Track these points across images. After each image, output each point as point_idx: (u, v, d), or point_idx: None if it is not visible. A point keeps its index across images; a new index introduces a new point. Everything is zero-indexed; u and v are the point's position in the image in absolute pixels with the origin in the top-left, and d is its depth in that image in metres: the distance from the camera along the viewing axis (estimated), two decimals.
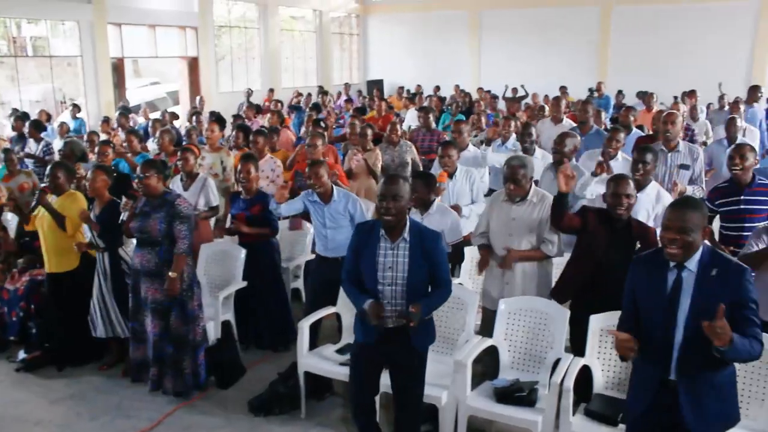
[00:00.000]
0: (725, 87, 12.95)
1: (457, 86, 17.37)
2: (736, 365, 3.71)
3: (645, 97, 11.48)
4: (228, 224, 5.97)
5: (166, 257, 4.81)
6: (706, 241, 3.11)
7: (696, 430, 3.00)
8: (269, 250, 5.77)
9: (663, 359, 3.01)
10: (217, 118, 8.77)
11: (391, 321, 3.64)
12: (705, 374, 2.98)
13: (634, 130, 7.75)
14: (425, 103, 13.33)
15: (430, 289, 3.74)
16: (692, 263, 2.96)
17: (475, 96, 16.08)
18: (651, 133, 7.44)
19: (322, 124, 9.28)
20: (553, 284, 4.70)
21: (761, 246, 4.13)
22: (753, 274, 3.05)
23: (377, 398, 4.00)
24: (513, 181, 4.49)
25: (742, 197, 5.00)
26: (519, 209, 4.55)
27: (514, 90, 16.07)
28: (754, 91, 10.57)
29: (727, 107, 10.94)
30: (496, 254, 4.66)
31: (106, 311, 5.30)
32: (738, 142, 7.05)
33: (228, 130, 9.95)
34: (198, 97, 14.76)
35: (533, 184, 4.61)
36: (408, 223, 3.65)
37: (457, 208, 5.82)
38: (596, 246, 4.24)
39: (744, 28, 18.59)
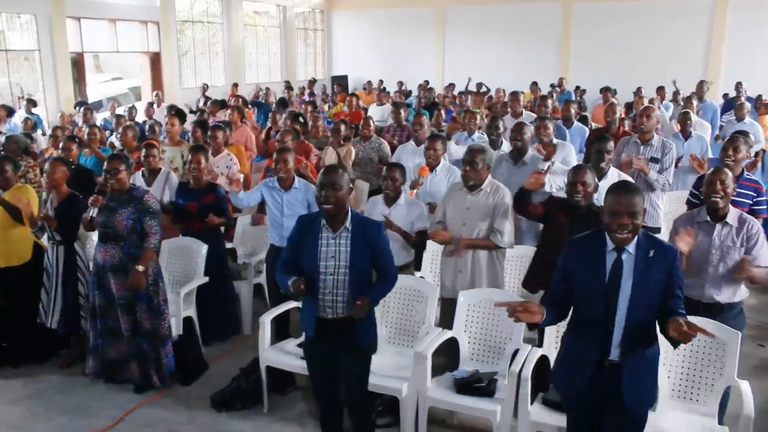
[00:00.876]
0: (681, 83, 13.25)
1: (426, 82, 17.41)
2: (692, 352, 3.89)
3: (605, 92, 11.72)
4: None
5: (131, 252, 4.79)
6: None
7: (632, 407, 3.13)
8: (216, 240, 5.77)
9: (603, 340, 3.11)
10: (176, 112, 8.69)
11: (332, 312, 3.67)
12: (642, 353, 3.13)
13: (575, 123, 8.09)
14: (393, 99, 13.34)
15: (375, 279, 3.79)
16: (631, 246, 3.07)
17: (441, 92, 16.15)
18: (601, 126, 7.63)
19: (301, 119, 9.22)
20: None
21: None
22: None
23: None
24: (470, 163, 4.53)
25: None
26: (474, 199, 4.59)
27: (479, 84, 16.18)
28: (700, 87, 10.82)
29: (681, 102, 11.21)
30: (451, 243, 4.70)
31: (61, 304, 5.27)
32: (693, 135, 7.34)
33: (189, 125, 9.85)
34: (155, 93, 14.58)
35: (489, 175, 4.67)
36: (350, 213, 3.69)
37: (433, 207, 5.85)
38: (559, 234, 4.27)
39: (700, 23, 18.96)
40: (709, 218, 4.11)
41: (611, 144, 5.25)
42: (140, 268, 4.72)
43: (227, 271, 6.00)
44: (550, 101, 7.97)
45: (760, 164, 6.91)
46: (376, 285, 3.74)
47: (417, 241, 5.14)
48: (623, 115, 8.31)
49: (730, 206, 4.12)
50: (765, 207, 5.11)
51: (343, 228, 3.65)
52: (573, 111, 8.34)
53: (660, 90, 13.09)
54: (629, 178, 5.28)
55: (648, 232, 3.20)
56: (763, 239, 4.04)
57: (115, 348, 5.02)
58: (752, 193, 5.03)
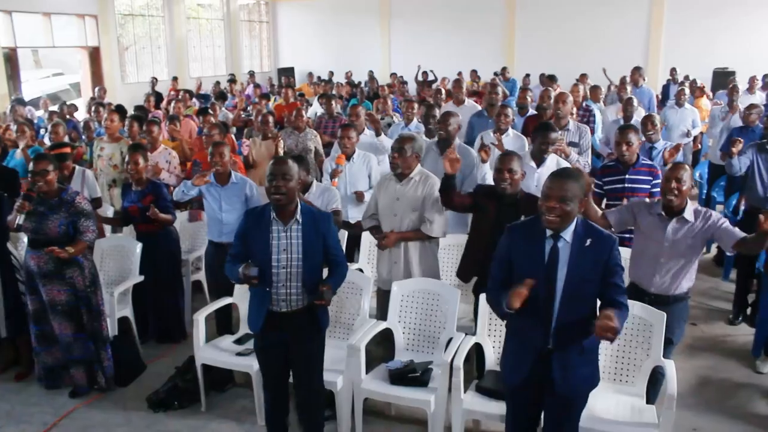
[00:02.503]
0: (623, 70, 13.50)
1: (371, 72, 17.40)
2: (626, 335, 3.98)
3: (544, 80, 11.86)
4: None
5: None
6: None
7: (565, 393, 3.15)
8: (167, 241, 5.67)
9: (543, 329, 3.12)
10: (117, 108, 8.50)
11: (286, 305, 3.65)
12: (577, 341, 3.12)
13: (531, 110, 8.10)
14: (334, 91, 13.31)
15: (327, 270, 3.79)
16: (568, 233, 3.07)
17: (388, 81, 16.17)
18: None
19: (210, 111, 9.10)
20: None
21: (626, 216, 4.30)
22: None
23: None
24: (398, 150, 4.52)
25: (626, 176, 5.23)
26: (403, 188, 4.59)
27: (425, 74, 16.23)
28: (635, 73, 11.06)
29: (613, 89, 11.46)
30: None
31: (3, 306, 5.10)
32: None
33: None
34: (97, 88, 14.24)
35: (419, 164, 4.67)
36: (299, 205, 3.66)
37: (360, 195, 5.86)
38: (488, 223, 4.32)
39: (640, 11, 19.29)
40: (663, 213, 4.13)
41: (554, 135, 5.32)
42: (70, 249, 4.52)
43: (178, 274, 5.88)
44: (500, 88, 7.98)
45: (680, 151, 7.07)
46: (333, 273, 3.75)
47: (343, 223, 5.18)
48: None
49: (688, 201, 4.13)
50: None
51: (294, 220, 3.62)
52: (529, 99, 8.42)
53: (582, 77, 13.24)
54: (564, 162, 5.40)
55: (588, 221, 3.22)
56: (723, 220, 4.07)
57: (50, 354, 4.90)
58: (649, 178, 5.19)
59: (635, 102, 8.10)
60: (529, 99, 8.35)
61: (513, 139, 6.43)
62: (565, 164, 5.36)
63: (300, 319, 3.68)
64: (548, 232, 3.09)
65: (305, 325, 3.71)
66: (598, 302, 3.13)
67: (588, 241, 3.06)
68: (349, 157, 5.90)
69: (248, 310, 3.83)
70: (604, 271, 3.05)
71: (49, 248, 4.48)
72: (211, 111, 9.19)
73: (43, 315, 4.79)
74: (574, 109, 7.76)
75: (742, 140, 5.89)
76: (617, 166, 5.30)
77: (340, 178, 5.85)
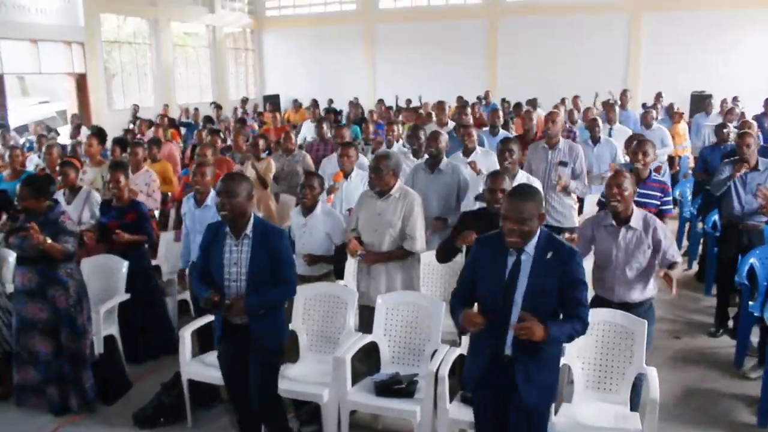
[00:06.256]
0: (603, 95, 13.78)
1: (356, 98, 17.59)
2: (603, 343, 4.02)
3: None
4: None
5: (47, 274, 4.66)
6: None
7: (529, 401, 3.18)
8: (139, 258, 5.69)
9: (499, 335, 3.17)
10: (96, 132, 8.54)
11: (238, 318, 3.73)
12: (539, 352, 3.14)
13: (501, 131, 8.39)
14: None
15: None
16: (530, 247, 3.15)
17: (372, 107, 16.37)
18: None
19: (221, 135, 9.22)
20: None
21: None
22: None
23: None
24: (374, 170, 4.59)
25: (636, 189, 5.28)
26: (384, 204, 4.65)
27: (408, 101, 16.46)
28: (624, 95, 11.27)
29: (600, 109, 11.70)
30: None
31: None
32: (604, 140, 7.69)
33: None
34: (72, 115, 14.29)
35: (398, 181, 4.73)
36: (252, 221, 3.74)
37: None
38: None
39: (619, 37, 19.71)
40: (614, 222, 4.23)
41: (513, 144, 5.40)
42: (48, 240, 4.47)
43: (156, 288, 5.92)
44: (470, 110, 8.17)
45: (665, 168, 7.21)
46: (268, 289, 3.76)
47: (338, 259, 5.17)
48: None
49: (635, 208, 4.25)
50: (671, 207, 5.34)
51: (244, 235, 3.71)
52: (500, 119, 8.62)
53: (575, 99, 13.50)
54: (537, 182, 5.46)
55: (551, 234, 3.28)
56: (669, 236, 4.21)
57: (22, 374, 4.86)
58: (659, 194, 5.23)
59: (617, 124, 8.28)
60: (500, 119, 8.58)
61: (482, 156, 6.48)
62: (534, 179, 5.48)
63: (250, 331, 3.76)
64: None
65: (253, 340, 3.77)
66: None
67: (549, 254, 3.14)
68: (347, 175, 5.95)
69: (214, 318, 3.98)
70: (561, 283, 3.11)
71: (30, 224, 4.44)
72: (195, 137, 9.27)
73: (22, 334, 4.78)
74: None
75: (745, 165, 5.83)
76: None
77: (337, 195, 5.87)
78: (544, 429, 3.35)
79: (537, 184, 5.32)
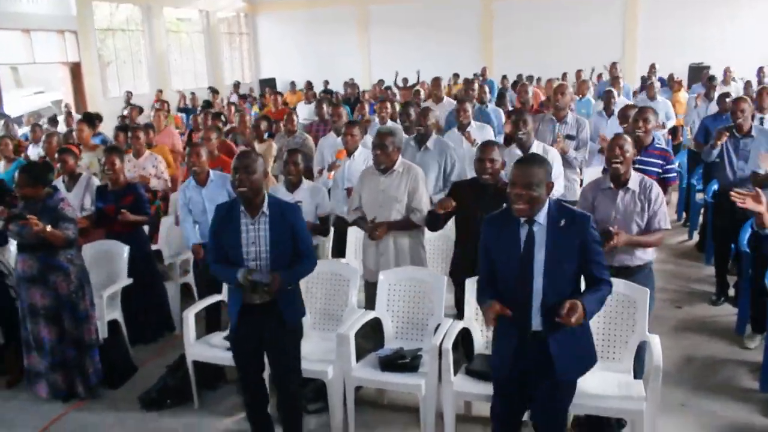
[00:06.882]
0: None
1: (351, 79, 17.56)
2: (606, 312, 4.02)
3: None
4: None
5: (48, 261, 4.67)
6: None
7: (567, 375, 3.19)
8: (140, 241, 5.72)
9: (522, 311, 3.15)
10: (85, 117, 8.53)
11: (257, 297, 3.66)
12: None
13: (490, 105, 8.54)
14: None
15: None
16: (541, 217, 3.12)
17: (368, 88, 16.38)
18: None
19: (222, 118, 9.22)
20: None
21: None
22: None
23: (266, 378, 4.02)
24: (380, 147, 4.57)
25: (638, 157, 5.19)
26: (387, 180, 4.65)
27: (405, 80, 16.42)
28: (613, 67, 11.35)
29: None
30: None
31: None
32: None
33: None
34: (64, 104, 14.23)
35: (400, 156, 4.72)
36: (266, 198, 3.69)
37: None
38: (471, 217, 4.33)
39: (615, 15, 19.62)
40: (612, 185, 4.23)
41: (527, 116, 5.38)
42: (48, 227, 4.47)
43: (156, 271, 5.93)
44: (476, 84, 8.17)
45: (669, 138, 7.21)
46: (294, 264, 3.71)
47: (322, 228, 5.21)
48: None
49: (632, 172, 4.25)
50: (674, 174, 5.34)
51: (261, 213, 3.65)
52: (486, 95, 8.71)
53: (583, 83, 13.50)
54: (554, 151, 5.45)
55: (561, 202, 3.27)
56: (663, 202, 4.19)
57: (30, 359, 4.89)
58: (661, 162, 5.22)
59: (615, 94, 8.25)
60: (487, 95, 8.76)
61: (477, 130, 6.49)
62: (550, 148, 5.44)
63: (271, 311, 3.69)
64: (522, 219, 3.14)
65: (277, 317, 3.71)
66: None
67: (562, 222, 3.11)
68: (350, 153, 5.94)
69: (228, 305, 3.90)
70: (581, 249, 3.10)
71: (29, 217, 4.43)
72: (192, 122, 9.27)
73: (27, 320, 4.80)
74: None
75: (727, 132, 5.87)
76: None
77: (339, 173, 5.86)
78: (571, 398, 3.36)
79: (554, 154, 5.34)
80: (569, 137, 6.18)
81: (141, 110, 11.22)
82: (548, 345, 3.14)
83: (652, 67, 13.82)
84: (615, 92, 8.23)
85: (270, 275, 3.53)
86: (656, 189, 4.19)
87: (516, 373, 3.27)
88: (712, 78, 9.63)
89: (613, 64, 11.48)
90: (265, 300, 3.65)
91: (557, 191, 5.26)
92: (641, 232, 4.16)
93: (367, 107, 10.04)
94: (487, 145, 4.47)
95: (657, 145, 5.37)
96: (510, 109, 8.01)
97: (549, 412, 3.31)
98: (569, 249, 3.11)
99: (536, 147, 5.36)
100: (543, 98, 10.73)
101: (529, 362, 3.21)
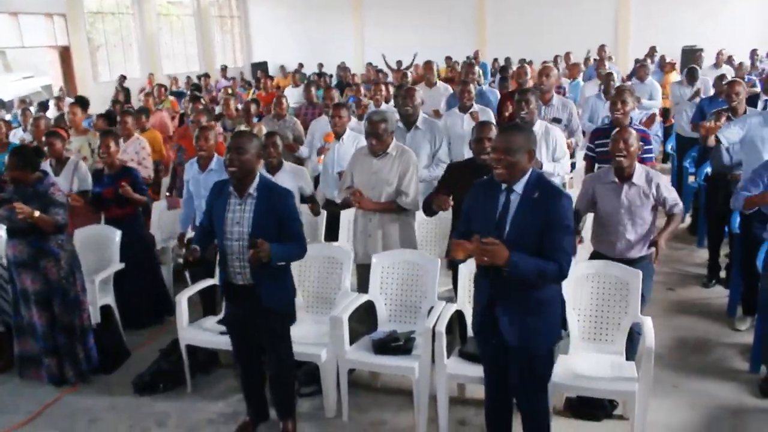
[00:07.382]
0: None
1: (343, 63, 17.48)
2: (599, 294, 4.04)
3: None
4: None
5: (39, 246, 4.64)
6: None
7: (513, 344, 3.19)
8: (136, 225, 5.70)
9: (491, 277, 3.17)
10: (78, 101, 8.47)
11: (241, 278, 3.69)
12: (525, 293, 3.15)
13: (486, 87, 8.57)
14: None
15: None
16: (519, 186, 3.15)
17: (363, 71, 16.35)
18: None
19: (202, 100, 9.17)
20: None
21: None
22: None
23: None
24: (375, 135, 4.54)
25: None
26: (380, 163, 4.62)
27: (399, 62, 16.42)
28: (602, 50, 11.31)
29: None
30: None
31: None
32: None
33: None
34: (59, 88, 14.13)
35: (393, 138, 4.70)
36: (257, 180, 3.69)
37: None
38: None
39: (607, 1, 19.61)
40: (616, 179, 4.21)
41: (531, 95, 5.35)
42: (36, 213, 4.44)
43: (153, 255, 5.93)
44: (477, 68, 8.16)
45: (661, 120, 7.20)
46: (284, 243, 3.66)
47: (316, 209, 5.24)
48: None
49: (637, 164, 4.23)
50: (652, 155, 5.36)
51: (248, 194, 3.66)
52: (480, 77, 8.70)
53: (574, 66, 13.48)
54: (556, 129, 5.46)
55: (543, 175, 3.29)
56: (670, 190, 4.22)
57: (22, 344, 4.87)
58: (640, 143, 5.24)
59: (615, 76, 8.23)
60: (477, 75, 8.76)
61: (477, 110, 6.44)
62: (552, 127, 5.45)
63: (251, 293, 3.71)
64: (503, 186, 3.16)
65: (256, 300, 3.71)
66: None
67: (536, 194, 3.12)
68: (338, 137, 5.89)
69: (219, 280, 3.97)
70: (544, 224, 3.07)
71: (14, 204, 4.40)
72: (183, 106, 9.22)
73: (19, 305, 4.78)
74: None
75: (726, 114, 5.78)
76: (609, 129, 5.34)
77: (329, 157, 5.82)
78: (545, 379, 3.37)
79: (557, 133, 5.37)
80: (555, 120, 6.16)
81: (127, 94, 11.12)
82: (496, 312, 3.19)
83: (653, 49, 13.83)
84: (615, 74, 8.21)
85: (256, 241, 3.49)
86: (663, 180, 4.20)
87: (491, 343, 3.30)
88: (693, 70, 9.45)
89: (602, 47, 11.46)
90: (247, 282, 3.69)
91: (561, 170, 5.32)
92: (648, 226, 4.21)
93: (363, 90, 9.98)
94: (484, 125, 4.46)
95: (635, 126, 5.35)
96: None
97: (524, 388, 3.32)
98: (534, 221, 3.08)
99: (539, 126, 5.32)
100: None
101: (492, 330, 3.24)
